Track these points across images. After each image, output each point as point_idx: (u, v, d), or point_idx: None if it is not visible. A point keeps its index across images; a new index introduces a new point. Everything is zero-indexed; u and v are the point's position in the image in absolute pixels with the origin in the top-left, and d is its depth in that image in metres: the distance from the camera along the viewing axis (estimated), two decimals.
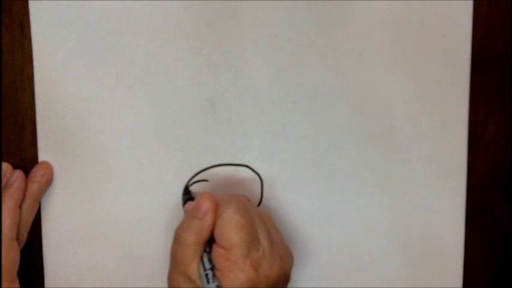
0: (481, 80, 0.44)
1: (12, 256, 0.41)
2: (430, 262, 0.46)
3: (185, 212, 0.41)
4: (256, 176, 0.45)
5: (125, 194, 0.45)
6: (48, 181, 0.44)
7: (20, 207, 0.43)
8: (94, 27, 0.43)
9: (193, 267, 0.37)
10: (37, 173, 0.43)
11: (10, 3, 0.43)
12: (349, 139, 0.45)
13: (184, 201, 0.42)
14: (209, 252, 0.38)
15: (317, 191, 0.45)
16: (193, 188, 0.43)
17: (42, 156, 0.44)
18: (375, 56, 0.44)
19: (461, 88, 0.44)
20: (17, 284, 0.42)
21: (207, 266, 0.37)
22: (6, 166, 0.43)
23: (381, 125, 0.45)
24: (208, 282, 0.37)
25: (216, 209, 0.38)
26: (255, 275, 0.36)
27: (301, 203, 0.45)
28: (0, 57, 0.44)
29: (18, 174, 0.43)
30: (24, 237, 0.43)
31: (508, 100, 0.45)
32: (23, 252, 0.43)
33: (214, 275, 0.37)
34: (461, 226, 0.45)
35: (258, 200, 0.45)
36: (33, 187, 0.43)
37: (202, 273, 0.37)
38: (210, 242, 0.38)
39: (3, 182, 0.43)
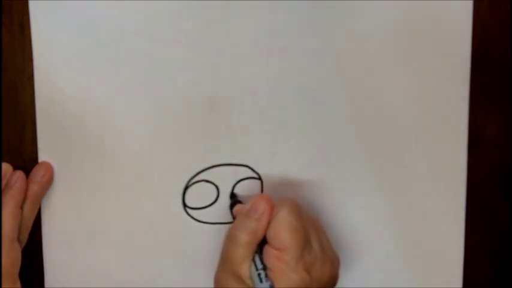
0: (481, 80, 0.44)
1: (13, 257, 0.41)
2: (430, 262, 0.46)
3: (234, 214, 0.41)
4: (256, 176, 0.45)
5: (125, 194, 0.45)
6: (49, 181, 0.44)
7: (21, 207, 0.43)
8: (94, 27, 0.43)
9: (245, 267, 0.37)
10: (37, 174, 0.43)
11: (10, 3, 0.43)
12: (349, 139, 0.45)
13: (232, 205, 0.42)
14: (260, 253, 0.38)
15: (317, 191, 0.45)
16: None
17: (42, 156, 0.44)
18: (374, 56, 0.44)
19: (461, 88, 0.44)
20: (18, 284, 0.42)
21: (259, 266, 0.37)
22: (6, 166, 0.43)
23: (381, 125, 0.45)
24: (261, 281, 0.37)
25: (272, 210, 0.38)
26: (308, 277, 0.36)
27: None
28: (0, 57, 0.43)
29: (19, 175, 0.43)
30: (25, 237, 0.43)
31: (508, 100, 0.45)
32: (23, 252, 0.43)
33: (267, 275, 0.37)
34: (461, 226, 0.45)
35: None
36: (34, 187, 0.43)
37: (255, 273, 0.37)
38: (261, 243, 0.38)
39: (4, 182, 0.43)
